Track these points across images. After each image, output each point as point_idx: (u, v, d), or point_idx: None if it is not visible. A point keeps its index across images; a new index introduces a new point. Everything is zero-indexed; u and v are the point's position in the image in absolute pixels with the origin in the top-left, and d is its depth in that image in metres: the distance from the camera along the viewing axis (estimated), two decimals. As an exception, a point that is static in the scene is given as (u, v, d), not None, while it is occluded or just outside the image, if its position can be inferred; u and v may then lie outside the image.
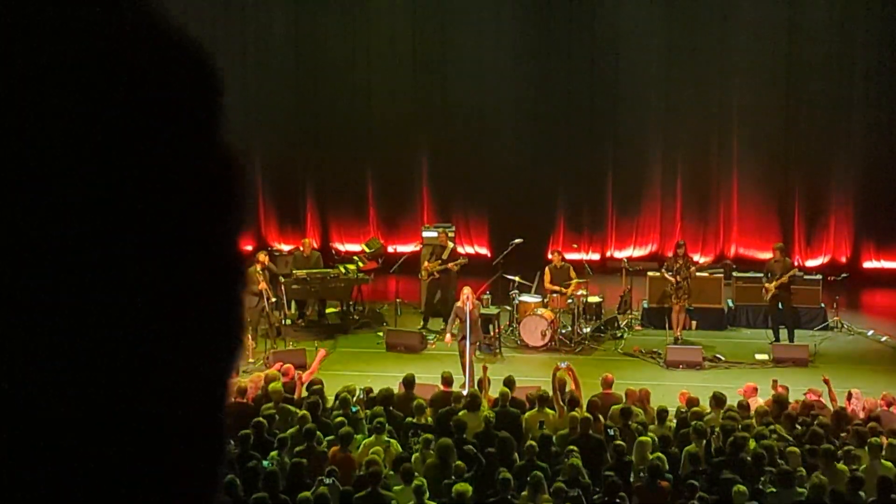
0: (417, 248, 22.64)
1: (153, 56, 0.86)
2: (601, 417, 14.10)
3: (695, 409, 14.34)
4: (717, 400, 14.90)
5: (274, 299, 19.68)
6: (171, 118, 0.86)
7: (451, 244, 21.83)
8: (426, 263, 21.53)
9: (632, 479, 12.46)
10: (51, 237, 0.80)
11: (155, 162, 0.84)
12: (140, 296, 0.83)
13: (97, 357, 0.82)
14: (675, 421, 14.37)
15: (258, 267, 19.75)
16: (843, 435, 13.77)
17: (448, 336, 18.61)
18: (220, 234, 0.89)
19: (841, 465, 12.46)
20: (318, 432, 13.22)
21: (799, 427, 13.83)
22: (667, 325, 20.78)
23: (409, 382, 15.51)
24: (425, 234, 22.96)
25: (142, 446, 0.84)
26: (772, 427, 13.66)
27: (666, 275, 20.73)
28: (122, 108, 0.83)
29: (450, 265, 21.30)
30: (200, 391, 0.88)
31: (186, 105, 0.87)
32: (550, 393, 14.94)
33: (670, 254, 21.42)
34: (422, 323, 21.44)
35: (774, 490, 11.82)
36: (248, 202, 0.93)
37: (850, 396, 15.69)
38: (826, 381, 15.74)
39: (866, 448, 12.89)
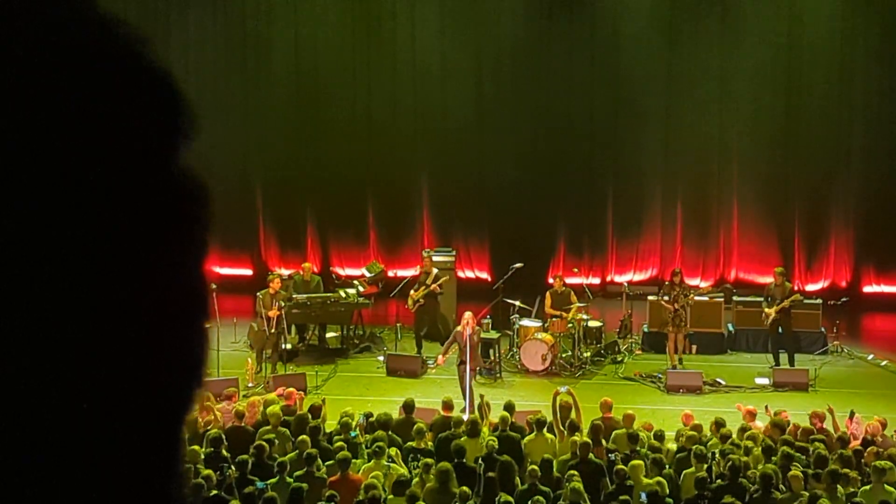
0: (418, 273, 22.60)
1: (115, 76, 0.85)
2: (603, 442, 14.11)
3: (691, 433, 14.32)
4: (718, 425, 14.94)
5: (278, 329, 19.64)
6: (131, 138, 0.85)
7: (434, 270, 21.74)
8: (412, 292, 21.49)
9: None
10: (6, 260, 0.79)
11: (116, 184, 0.83)
12: (95, 322, 0.81)
13: (55, 387, 0.80)
14: (675, 444, 14.40)
15: (270, 291, 19.75)
16: (843, 455, 13.76)
17: (440, 358, 18.62)
18: (181, 259, 0.88)
19: (841, 489, 12.45)
20: (319, 459, 13.21)
21: (798, 452, 13.80)
22: (667, 351, 20.75)
23: (409, 407, 15.51)
24: (435, 258, 22.79)
25: (93, 477, 0.82)
26: (772, 451, 13.61)
27: (663, 302, 20.70)
28: (80, 128, 0.82)
29: (433, 287, 21.29)
30: (156, 422, 0.86)
31: (148, 126, 0.86)
32: (550, 417, 14.95)
33: (667, 282, 21.39)
34: (416, 349, 21.41)
35: None
36: (209, 227, 0.91)
37: (852, 416, 15.70)
38: (830, 411, 15.73)
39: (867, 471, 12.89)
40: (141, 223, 0.84)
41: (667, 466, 13.42)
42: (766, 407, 16.36)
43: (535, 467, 12.85)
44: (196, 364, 0.89)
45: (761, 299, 21.21)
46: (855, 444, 14.62)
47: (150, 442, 0.86)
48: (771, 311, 20.51)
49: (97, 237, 0.82)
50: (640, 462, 13.20)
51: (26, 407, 0.79)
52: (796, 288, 23.11)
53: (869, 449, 13.73)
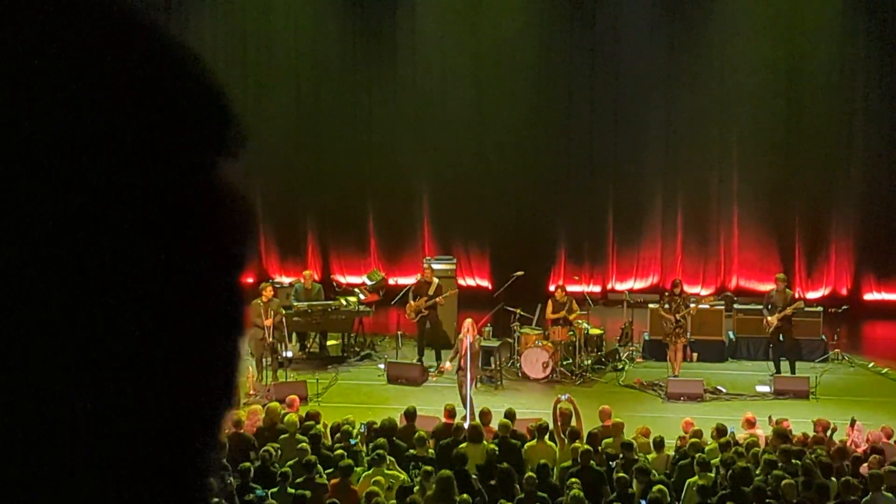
0: (416, 281, 22.54)
1: (168, 86, 0.85)
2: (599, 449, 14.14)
3: (694, 440, 14.31)
4: (719, 432, 14.95)
5: (271, 338, 19.61)
6: (179, 148, 0.85)
7: (435, 280, 21.68)
8: (412, 302, 21.40)
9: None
10: (35, 270, 0.78)
11: (159, 196, 0.82)
12: (131, 334, 0.80)
13: (90, 398, 0.79)
14: (674, 452, 14.42)
15: (263, 299, 19.74)
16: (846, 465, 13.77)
17: (447, 364, 18.61)
18: (220, 271, 0.87)
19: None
20: (319, 465, 13.21)
21: (797, 461, 13.79)
22: (668, 360, 20.72)
23: (410, 414, 15.52)
24: (436, 266, 22.78)
25: (128, 489, 0.82)
26: (772, 460, 13.59)
27: (663, 312, 20.66)
28: (130, 136, 0.81)
29: (437, 300, 21.23)
30: (191, 434, 0.86)
31: (197, 136, 0.87)
32: (551, 425, 14.96)
33: (667, 292, 21.35)
34: (417, 356, 21.39)
35: None
36: (252, 240, 0.91)
37: (853, 423, 15.69)
38: (833, 428, 15.68)
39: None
40: (180, 232, 0.84)
41: (656, 473, 13.43)
42: (770, 417, 16.32)
43: (532, 474, 12.84)
44: (230, 381, 0.89)
45: (762, 307, 21.18)
46: (857, 451, 14.62)
47: (180, 460, 0.85)
48: (773, 319, 20.47)
49: (136, 243, 0.81)
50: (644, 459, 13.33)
51: (51, 425, 0.79)
52: (797, 295, 23.12)
53: (871, 458, 13.71)
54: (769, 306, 20.76)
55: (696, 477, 13.00)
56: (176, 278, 0.83)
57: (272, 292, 20.17)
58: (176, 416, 0.84)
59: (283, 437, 14.48)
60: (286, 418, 14.96)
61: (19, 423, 0.78)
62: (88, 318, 0.79)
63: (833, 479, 12.86)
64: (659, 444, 14.61)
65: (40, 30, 0.81)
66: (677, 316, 20.33)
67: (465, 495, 12.14)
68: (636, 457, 13.90)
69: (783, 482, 12.59)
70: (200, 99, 0.88)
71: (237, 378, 0.90)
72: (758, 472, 13.32)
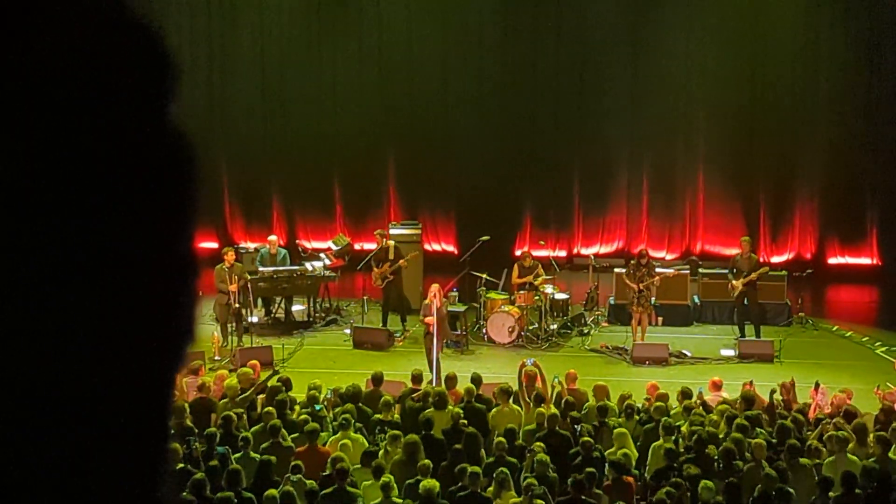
0: (376, 249, 22.46)
1: (107, 36, 0.85)
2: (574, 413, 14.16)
3: (658, 404, 14.33)
4: (684, 395, 15.00)
5: (236, 304, 19.55)
6: (122, 100, 0.84)
7: (391, 243, 21.55)
8: (375, 270, 21.33)
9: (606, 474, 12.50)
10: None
11: (106, 147, 0.83)
12: (88, 287, 0.82)
13: (47, 350, 0.81)
14: (639, 416, 14.44)
15: (225, 265, 19.64)
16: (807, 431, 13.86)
17: (428, 318, 18.30)
18: (173, 222, 0.88)
19: (804, 460, 12.53)
20: (283, 429, 13.19)
21: (767, 425, 13.86)
22: (631, 328, 20.72)
23: (377, 379, 15.51)
24: (392, 231, 22.86)
25: (87, 437, 0.84)
26: (738, 423, 13.65)
27: (627, 281, 20.66)
28: (72, 89, 0.81)
29: (401, 262, 21.19)
30: (148, 386, 0.88)
31: (138, 87, 0.86)
32: (516, 388, 14.99)
33: (632, 261, 21.32)
34: (382, 322, 21.38)
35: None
36: (202, 189, 0.91)
37: (817, 387, 15.76)
38: (792, 384, 15.78)
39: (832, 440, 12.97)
40: (136, 180, 0.85)
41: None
42: (751, 382, 16.23)
43: (503, 439, 12.86)
44: (188, 321, 0.91)
45: (727, 271, 21.24)
46: (818, 413, 14.71)
47: (143, 397, 0.88)
48: (738, 284, 20.53)
49: (91, 192, 0.82)
50: (624, 430, 13.34)
51: (33, 369, 0.81)
52: (762, 260, 23.22)
53: (835, 420, 13.80)
54: (734, 270, 20.81)
55: (661, 440, 13.04)
56: (136, 222, 0.84)
57: (234, 257, 20.10)
58: (141, 349, 0.86)
59: (223, 402, 14.37)
60: (225, 382, 14.93)
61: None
62: (54, 267, 0.81)
63: (792, 444, 12.90)
64: (628, 411, 14.57)
65: None
66: (641, 286, 20.32)
67: (427, 461, 12.14)
68: (614, 422, 13.95)
69: (754, 442, 12.66)
70: (145, 43, 0.88)
71: (196, 316, 0.92)
72: (723, 434, 13.38)
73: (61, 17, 0.82)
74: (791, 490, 11.45)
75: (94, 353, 0.83)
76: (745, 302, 20.69)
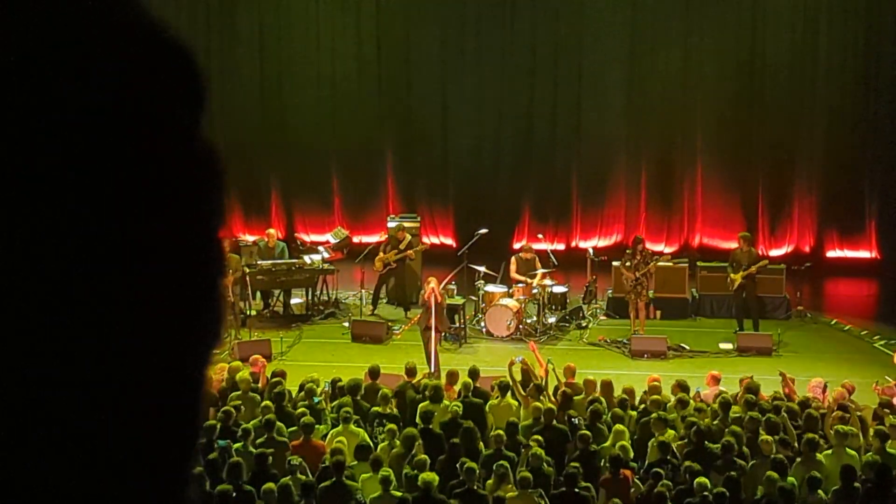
0: (383, 239, 22.57)
1: (140, 51, 0.88)
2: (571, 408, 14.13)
3: (655, 397, 14.31)
4: (682, 388, 14.95)
5: (232, 296, 19.55)
6: (155, 113, 0.88)
7: (408, 236, 21.70)
8: (381, 254, 21.45)
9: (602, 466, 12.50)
10: (28, 229, 0.81)
11: (139, 156, 0.85)
12: (120, 288, 0.84)
13: (75, 348, 0.82)
14: (636, 411, 14.41)
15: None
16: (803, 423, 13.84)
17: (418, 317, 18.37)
18: (201, 227, 0.91)
19: (819, 455, 12.51)
20: (280, 423, 13.18)
21: (773, 416, 13.81)
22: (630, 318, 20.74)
23: (374, 372, 15.49)
24: (391, 224, 22.90)
25: (116, 434, 0.85)
26: (739, 417, 13.61)
27: (624, 270, 20.66)
28: (106, 102, 0.84)
29: (408, 252, 21.26)
30: (178, 383, 0.90)
31: (171, 100, 0.90)
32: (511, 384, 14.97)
33: (628, 250, 21.31)
34: (371, 308, 21.45)
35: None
36: (226, 197, 0.95)
37: (820, 385, 15.74)
38: (782, 375, 15.76)
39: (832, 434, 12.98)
40: (165, 188, 0.88)
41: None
42: (752, 377, 16.20)
43: (501, 432, 12.85)
44: (214, 321, 0.93)
45: (726, 265, 21.24)
46: (815, 403, 14.71)
47: (173, 398, 0.90)
48: (737, 277, 20.53)
49: (122, 201, 0.84)
50: (623, 428, 13.32)
51: (62, 367, 0.82)
52: (760, 252, 23.20)
53: (834, 414, 13.77)
54: (734, 264, 20.82)
55: (659, 433, 13.03)
56: (164, 228, 0.87)
57: (228, 248, 20.04)
58: (170, 351, 0.89)
59: (250, 395, 14.41)
60: (237, 375, 14.92)
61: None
62: (82, 275, 0.83)
63: (810, 438, 12.87)
64: (624, 404, 14.54)
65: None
66: (637, 274, 20.32)
67: (422, 455, 12.14)
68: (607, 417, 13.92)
69: (759, 439, 12.63)
70: (174, 59, 0.93)
71: (222, 317, 0.95)
72: (723, 426, 13.36)
73: (108, 42, 0.86)
74: (794, 484, 11.45)
75: (128, 353, 0.85)
76: (744, 295, 20.69)
